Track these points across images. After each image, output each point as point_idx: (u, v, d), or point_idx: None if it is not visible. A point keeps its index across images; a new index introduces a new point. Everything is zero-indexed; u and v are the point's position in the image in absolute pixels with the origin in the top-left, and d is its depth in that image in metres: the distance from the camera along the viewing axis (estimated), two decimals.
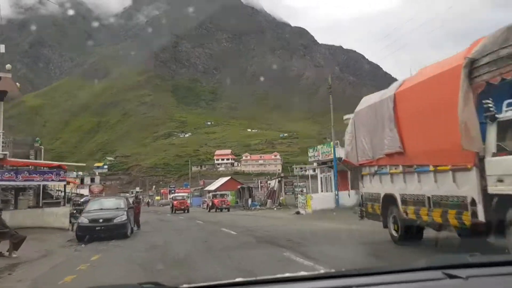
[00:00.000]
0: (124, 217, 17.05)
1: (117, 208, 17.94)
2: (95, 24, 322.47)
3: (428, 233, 10.58)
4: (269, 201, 40.47)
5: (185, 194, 57.35)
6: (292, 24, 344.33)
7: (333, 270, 2.15)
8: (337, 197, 26.27)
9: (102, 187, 44.57)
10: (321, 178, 31.97)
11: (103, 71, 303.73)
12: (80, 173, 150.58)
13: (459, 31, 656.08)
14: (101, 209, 17.98)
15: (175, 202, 45.60)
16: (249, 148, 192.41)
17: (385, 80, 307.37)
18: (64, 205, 22.79)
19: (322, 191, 31.54)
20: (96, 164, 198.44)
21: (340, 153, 28.97)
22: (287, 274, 2.01)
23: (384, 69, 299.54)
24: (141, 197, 39.92)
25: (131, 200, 23.26)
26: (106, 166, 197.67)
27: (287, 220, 24.63)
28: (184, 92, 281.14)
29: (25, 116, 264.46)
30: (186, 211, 44.14)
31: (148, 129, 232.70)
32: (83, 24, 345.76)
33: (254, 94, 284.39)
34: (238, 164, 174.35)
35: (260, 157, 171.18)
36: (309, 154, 32.68)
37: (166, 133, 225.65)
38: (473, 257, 2.17)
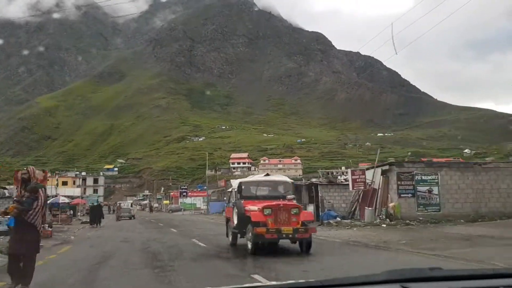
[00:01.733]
0: None
1: None
2: (111, 28, 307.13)
3: None
4: (368, 210, 19.87)
5: (287, 180, 14.90)
6: (309, 30, 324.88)
7: (301, 281, 1.99)
8: None
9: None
10: None
11: (117, 74, 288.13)
12: (84, 173, 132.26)
13: (477, 41, 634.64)
14: None
15: (254, 210, 11.60)
16: (265, 153, 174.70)
17: (403, 87, 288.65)
18: None
19: None
20: (106, 166, 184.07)
21: None
22: (288, 282, 1.94)
23: (403, 76, 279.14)
24: (40, 188, 6.49)
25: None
26: (116, 169, 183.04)
27: None
28: (198, 96, 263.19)
29: (39, 117, 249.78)
30: (301, 244, 11.56)
31: (161, 133, 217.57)
32: (99, 28, 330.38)
33: (269, 99, 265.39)
34: (255, 169, 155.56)
35: (280, 161, 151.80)
36: None
37: (180, 137, 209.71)
38: (433, 271, 2.00)
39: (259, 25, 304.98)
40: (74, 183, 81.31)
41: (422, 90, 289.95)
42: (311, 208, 25.89)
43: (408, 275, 1.88)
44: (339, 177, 49.91)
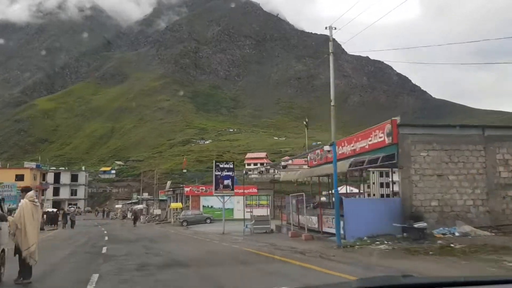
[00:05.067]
0: None
1: None
2: (114, 31, 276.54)
3: None
4: None
5: None
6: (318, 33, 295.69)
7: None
8: None
9: None
10: None
11: (120, 76, 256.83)
12: (54, 167, 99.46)
13: (483, 49, 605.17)
14: None
15: None
16: (282, 155, 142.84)
17: (414, 92, 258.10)
18: None
19: None
20: (103, 169, 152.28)
21: None
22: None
23: (413, 81, 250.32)
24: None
25: None
26: (113, 171, 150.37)
27: None
28: (204, 98, 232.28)
29: (36, 119, 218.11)
30: None
31: (165, 136, 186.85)
32: (102, 31, 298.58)
33: (279, 102, 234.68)
34: (274, 171, 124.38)
35: (305, 161, 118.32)
36: None
37: (184, 139, 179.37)
38: (406, 278, 1.90)
39: (266, 28, 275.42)
40: (34, 178, 48.56)
41: (433, 96, 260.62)
42: None
43: (380, 283, 1.75)
44: None
